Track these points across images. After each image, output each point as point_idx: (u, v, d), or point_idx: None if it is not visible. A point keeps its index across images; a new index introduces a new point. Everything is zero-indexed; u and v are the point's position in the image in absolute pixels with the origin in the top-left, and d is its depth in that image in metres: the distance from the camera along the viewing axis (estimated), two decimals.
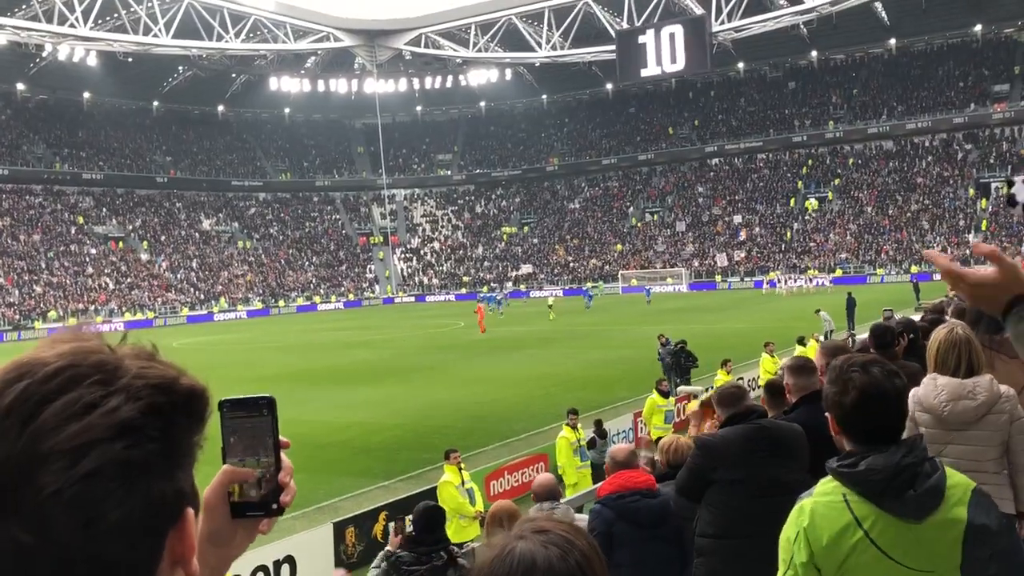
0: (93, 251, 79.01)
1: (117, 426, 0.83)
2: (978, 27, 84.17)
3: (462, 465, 11.90)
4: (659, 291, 66.69)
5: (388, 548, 7.41)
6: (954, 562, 2.57)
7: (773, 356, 19.92)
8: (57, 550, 0.80)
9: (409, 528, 9.91)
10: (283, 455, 1.16)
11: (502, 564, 1.29)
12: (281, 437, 1.15)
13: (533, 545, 1.30)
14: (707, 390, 20.85)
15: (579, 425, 14.25)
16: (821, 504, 2.62)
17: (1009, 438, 4.13)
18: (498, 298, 62.42)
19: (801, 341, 23.16)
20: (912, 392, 4.25)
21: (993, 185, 75.25)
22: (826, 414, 2.81)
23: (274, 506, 1.14)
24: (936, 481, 2.58)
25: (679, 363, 21.14)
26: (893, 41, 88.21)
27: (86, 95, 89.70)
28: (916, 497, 2.55)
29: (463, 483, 11.55)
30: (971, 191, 75.63)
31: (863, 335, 10.86)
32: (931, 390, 4.22)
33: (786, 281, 65.22)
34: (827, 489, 2.65)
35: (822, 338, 22.19)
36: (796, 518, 2.65)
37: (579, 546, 1.31)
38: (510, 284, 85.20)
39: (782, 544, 2.68)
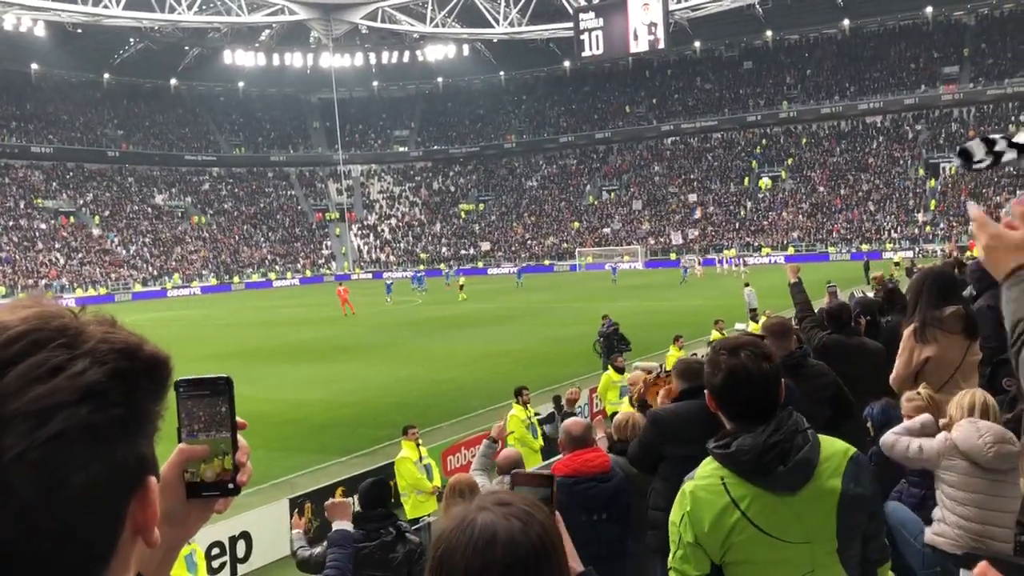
0: (43, 226, 77.55)
1: (83, 389, 0.82)
2: (929, 9, 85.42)
3: (420, 441, 12.01)
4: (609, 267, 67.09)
5: (293, 531, 7.39)
6: (829, 531, 2.71)
7: (723, 333, 20.23)
8: (19, 514, 0.79)
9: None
10: (239, 435, 1.16)
11: (462, 534, 1.28)
12: (237, 418, 1.15)
13: (495, 517, 1.28)
14: (661, 366, 21.18)
15: (529, 403, 14.35)
16: (701, 488, 2.75)
17: None
18: (388, 283, 55.71)
19: (754, 317, 23.56)
20: (945, 436, 4.31)
21: (942, 165, 76.57)
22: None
23: (230, 486, 1.14)
24: (807, 454, 2.71)
25: (611, 345, 20.98)
26: (847, 22, 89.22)
27: (34, 66, 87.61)
28: (787, 472, 2.68)
29: (421, 459, 11.67)
30: (921, 171, 76.94)
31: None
32: (971, 433, 4.19)
33: (699, 263, 64.24)
34: (706, 472, 2.79)
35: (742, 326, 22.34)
36: (680, 502, 2.78)
37: (539, 519, 1.30)
38: (422, 266, 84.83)
39: (671, 527, 2.81)
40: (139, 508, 0.90)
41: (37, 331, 0.85)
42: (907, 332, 5.32)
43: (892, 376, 5.36)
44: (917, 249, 65.90)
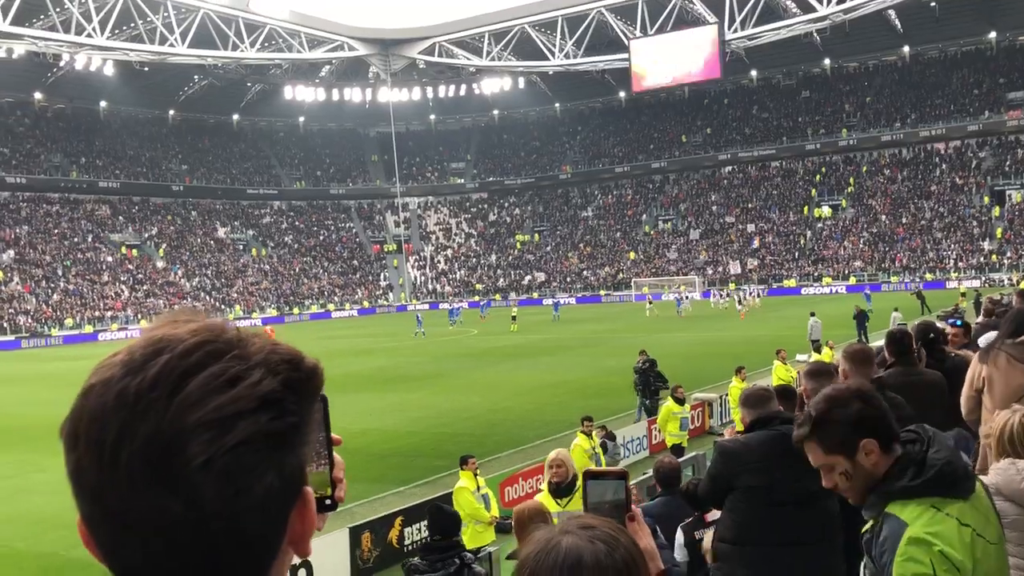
0: (109, 259, 79.53)
1: (260, 398, 0.85)
2: (992, 35, 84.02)
3: (478, 471, 11.95)
4: (670, 299, 66.45)
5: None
6: (1000, 530, 2.71)
7: (785, 363, 19.92)
8: (203, 521, 0.81)
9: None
10: (335, 452, 1.16)
11: (547, 557, 1.27)
12: (332, 434, 1.15)
13: (579, 540, 1.28)
14: (721, 398, 20.91)
15: (594, 432, 14.30)
16: (929, 527, 2.56)
17: None
18: (417, 315, 55.81)
19: (817, 348, 23.18)
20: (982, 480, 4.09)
21: (1008, 192, 74.94)
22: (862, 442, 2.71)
23: (327, 502, 1.13)
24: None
25: (647, 382, 20.36)
26: (907, 49, 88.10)
27: (103, 104, 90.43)
28: (970, 474, 2.69)
29: (478, 489, 11.61)
30: (986, 198, 75.34)
31: (876, 343, 10.89)
32: (1013, 475, 3.84)
33: (721, 295, 62.20)
34: (915, 513, 2.59)
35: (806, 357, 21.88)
36: (916, 553, 2.53)
37: (624, 543, 1.29)
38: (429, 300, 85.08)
39: None
40: (298, 518, 0.91)
41: (210, 343, 0.87)
42: (975, 358, 5.21)
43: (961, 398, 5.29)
44: (983, 278, 64.41)
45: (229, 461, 0.81)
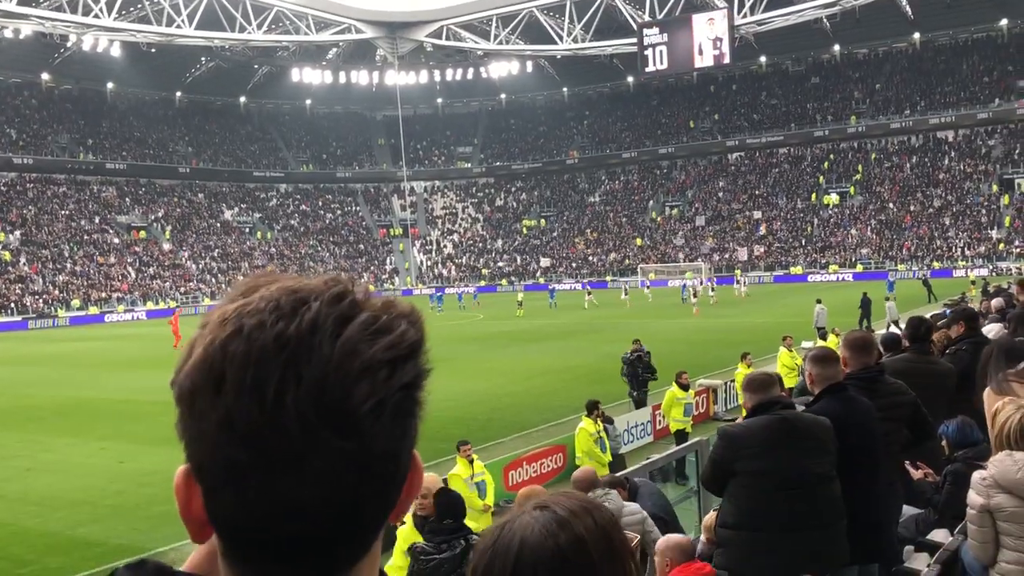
0: (116, 240, 79.65)
1: (410, 346, 0.86)
2: (1004, 22, 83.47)
3: (473, 457, 11.74)
4: (677, 284, 66.28)
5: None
6: None
7: (791, 350, 19.88)
8: (369, 461, 0.82)
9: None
10: None
11: (493, 535, 1.26)
12: None
13: (526, 520, 1.24)
14: (726, 384, 20.91)
15: (601, 417, 14.24)
16: None
17: None
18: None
19: (822, 335, 23.16)
20: (981, 475, 4.01)
21: (1017, 181, 74.58)
22: None
23: None
24: None
25: (635, 373, 19.70)
26: (917, 35, 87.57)
27: (110, 86, 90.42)
28: None
29: (472, 476, 11.44)
30: (995, 187, 74.99)
31: (880, 331, 10.87)
32: (1009, 466, 3.87)
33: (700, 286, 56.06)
34: None
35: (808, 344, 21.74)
36: None
37: (580, 525, 1.21)
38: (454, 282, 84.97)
39: None
40: (412, 469, 0.90)
41: (348, 293, 0.87)
42: (986, 394, 5.15)
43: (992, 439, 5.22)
44: (991, 267, 64.20)
45: (396, 404, 0.83)
